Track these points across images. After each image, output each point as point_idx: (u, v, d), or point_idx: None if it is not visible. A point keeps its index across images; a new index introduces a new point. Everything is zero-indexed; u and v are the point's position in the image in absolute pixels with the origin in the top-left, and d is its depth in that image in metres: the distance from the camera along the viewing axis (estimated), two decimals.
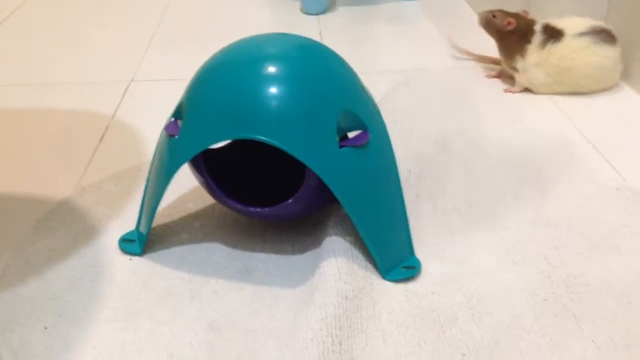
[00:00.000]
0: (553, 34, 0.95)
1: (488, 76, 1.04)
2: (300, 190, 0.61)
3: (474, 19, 1.02)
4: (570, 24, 0.96)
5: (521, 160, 0.79)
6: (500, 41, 0.99)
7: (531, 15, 0.98)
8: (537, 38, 0.95)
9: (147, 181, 0.67)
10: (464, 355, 0.53)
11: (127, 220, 0.70)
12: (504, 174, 0.76)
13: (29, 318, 0.58)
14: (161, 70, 1.12)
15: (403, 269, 0.62)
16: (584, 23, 0.95)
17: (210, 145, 0.61)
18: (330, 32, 1.27)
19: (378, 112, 0.66)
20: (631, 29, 0.99)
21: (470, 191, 0.73)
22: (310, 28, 1.29)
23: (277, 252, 0.66)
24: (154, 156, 0.66)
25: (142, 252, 0.66)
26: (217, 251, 0.66)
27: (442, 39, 1.21)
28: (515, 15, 0.97)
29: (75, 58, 1.18)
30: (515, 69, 0.98)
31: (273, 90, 0.58)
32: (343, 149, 0.59)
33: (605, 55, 0.94)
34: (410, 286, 0.61)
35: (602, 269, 0.62)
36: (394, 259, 0.63)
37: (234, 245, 0.67)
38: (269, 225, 0.69)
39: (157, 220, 0.70)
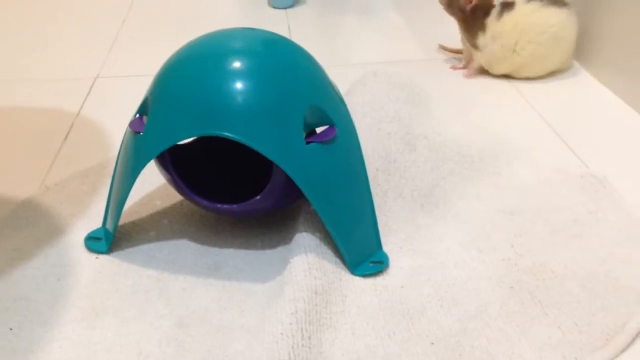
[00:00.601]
0: (507, 4, 0.98)
1: (453, 68, 1.05)
2: (268, 186, 0.61)
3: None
4: None
5: (486, 150, 0.80)
6: (463, 21, 1.00)
7: None
8: (494, 11, 0.98)
9: (113, 179, 0.66)
10: (432, 344, 0.54)
11: (92, 219, 0.69)
12: (469, 165, 0.77)
13: None
14: (127, 67, 1.10)
15: (371, 264, 0.62)
16: None
17: (175, 142, 0.60)
18: (299, 25, 1.27)
19: (345, 107, 0.66)
20: (588, 15, 1.01)
21: (435, 185, 0.73)
22: (279, 22, 1.29)
23: (247, 247, 0.66)
24: (119, 153, 0.65)
25: (109, 250, 0.65)
26: (185, 248, 0.66)
27: (411, 31, 1.22)
28: None
29: (39, 54, 1.16)
30: (477, 47, 1.00)
31: (238, 85, 0.58)
32: (310, 144, 0.59)
33: (556, 13, 0.97)
34: (379, 280, 0.61)
35: (566, 255, 0.63)
36: (362, 254, 0.63)
37: (203, 241, 0.67)
38: (238, 221, 0.69)
39: (125, 218, 0.69)
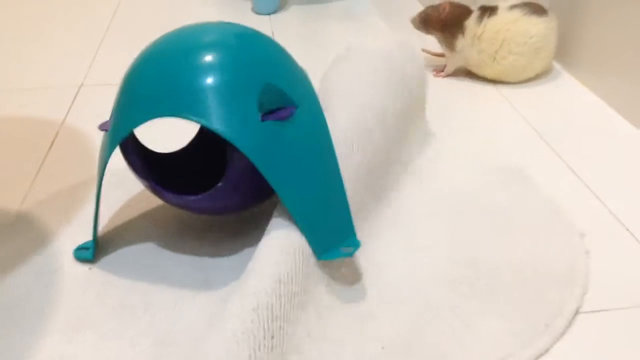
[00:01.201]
0: (488, 10, 0.99)
1: (436, 72, 1.06)
2: (228, 170, 0.60)
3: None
4: (504, 2, 1.01)
5: (442, 153, 0.83)
6: (442, 31, 1.01)
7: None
8: (474, 15, 0.99)
9: (97, 188, 0.66)
10: (383, 348, 0.55)
11: (79, 228, 0.70)
12: (405, 170, 0.78)
13: None
14: (112, 74, 1.10)
15: (342, 250, 0.60)
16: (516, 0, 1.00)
17: (133, 127, 0.60)
18: (282, 31, 1.28)
19: (311, 88, 0.65)
20: (569, 18, 1.03)
21: (381, 185, 0.74)
22: (262, 27, 1.29)
23: (239, 263, 0.64)
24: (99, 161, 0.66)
25: (93, 258, 0.65)
26: (178, 258, 0.66)
27: (394, 35, 1.23)
28: (453, 2, 1.01)
29: (22, 63, 1.16)
30: (454, 49, 1.01)
31: (192, 64, 0.58)
32: (265, 122, 0.58)
33: (536, 23, 0.98)
34: (333, 283, 0.61)
35: (498, 248, 0.66)
36: (331, 239, 0.61)
37: (196, 253, 0.66)
38: (233, 233, 0.69)
39: (114, 227, 0.70)
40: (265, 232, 0.60)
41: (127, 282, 0.63)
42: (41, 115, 0.97)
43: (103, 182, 0.64)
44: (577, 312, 0.59)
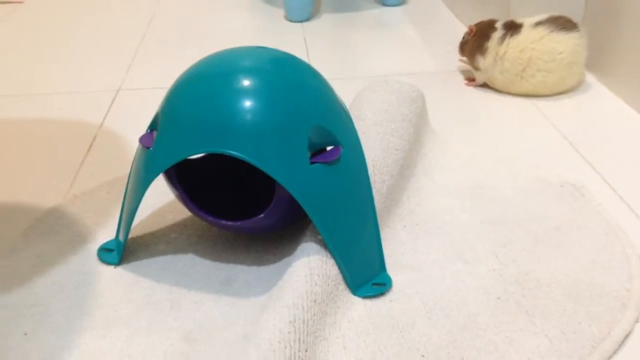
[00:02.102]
0: (512, 27, 0.97)
1: (467, 84, 1.06)
2: (271, 205, 0.62)
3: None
4: (534, 16, 0.98)
5: (471, 165, 0.83)
6: (470, 53, 1.02)
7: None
8: (497, 35, 0.98)
9: (126, 191, 0.69)
10: (423, 356, 0.56)
11: (115, 229, 0.72)
12: (454, 181, 0.79)
13: (9, 325, 0.60)
14: (148, 80, 1.14)
15: (373, 286, 0.63)
16: (543, 15, 0.98)
17: (182, 158, 0.61)
18: (314, 38, 1.30)
19: (352, 126, 0.67)
20: (603, 29, 1.02)
21: (419, 202, 0.76)
22: (295, 35, 1.31)
23: (259, 263, 0.67)
24: (131, 167, 0.68)
25: (119, 262, 0.67)
26: (199, 261, 0.68)
27: (425, 44, 1.24)
28: (481, 22, 1.01)
29: (61, 68, 1.21)
30: (478, 68, 1.01)
31: (245, 104, 0.59)
32: (314, 165, 0.60)
33: (564, 40, 0.95)
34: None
35: (550, 264, 0.65)
36: (365, 275, 0.63)
37: (218, 255, 0.69)
38: (251, 237, 0.71)
39: (141, 230, 0.72)
40: (301, 250, 0.63)
41: (152, 282, 0.65)
42: (79, 118, 1.00)
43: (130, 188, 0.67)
44: (627, 336, 0.57)
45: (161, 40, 1.34)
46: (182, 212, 0.75)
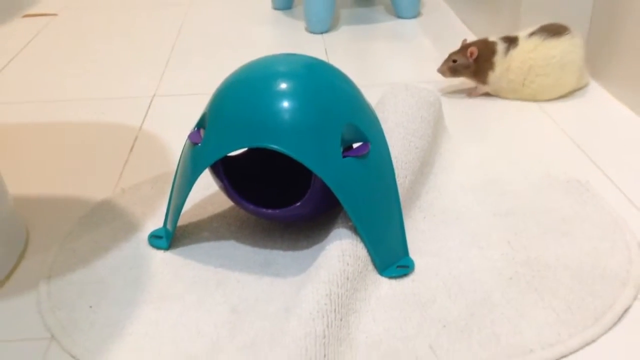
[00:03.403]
0: (510, 40, 1.05)
1: (470, 95, 1.12)
2: (307, 194, 0.69)
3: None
4: (526, 29, 1.06)
5: (484, 164, 0.89)
6: (475, 72, 1.06)
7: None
8: (500, 50, 1.05)
9: (173, 184, 0.76)
10: (444, 326, 0.62)
11: (161, 218, 0.79)
12: (469, 177, 0.87)
13: (76, 299, 0.68)
14: (180, 87, 1.22)
15: (398, 268, 0.69)
16: (534, 26, 1.05)
17: (228, 152, 0.69)
18: (334, 49, 1.37)
19: (379, 125, 0.74)
20: (603, 34, 1.10)
21: (437, 196, 0.83)
22: (316, 46, 1.39)
23: (294, 248, 0.74)
24: (179, 161, 0.75)
25: (168, 247, 0.74)
26: (240, 247, 0.75)
27: (440, 54, 1.31)
28: (470, 44, 1.06)
29: (99, 77, 1.29)
30: (487, 83, 1.07)
31: (285, 104, 0.66)
32: (346, 158, 0.67)
33: (555, 45, 1.03)
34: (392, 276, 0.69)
35: (557, 250, 0.71)
36: (390, 258, 0.70)
37: (256, 242, 0.76)
38: (286, 225, 0.78)
39: (185, 220, 0.79)
40: (333, 235, 0.70)
41: (199, 264, 0.72)
42: (121, 121, 1.08)
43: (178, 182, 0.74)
44: (626, 310, 0.63)
45: (190, 50, 1.42)
46: (222, 205, 0.83)
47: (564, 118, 1.03)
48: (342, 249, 0.67)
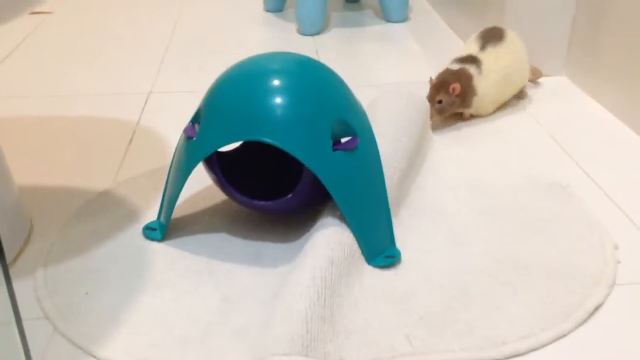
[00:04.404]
0: (472, 59, 1.05)
1: (465, 120, 1.10)
2: (298, 186, 0.72)
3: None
4: (469, 46, 1.08)
5: (468, 165, 0.93)
6: (460, 104, 1.03)
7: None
8: (472, 71, 1.03)
9: (168, 178, 0.79)
10: (421, 318, 0.65)
11: (157, 210, 0.81)
12: (453, 177, 0.90)
13: (72, 286, 0.70)
14: (175, 84, 1.25)
15: (385, 258, 0.72)
16: (475, 39, 1.08)
17: (222, 146, 0.71)
18: (325, 50, 1.41)
19: (367, 120, 0.77)
20: (580, 32, 1.14)
21: (423, 194, 0.86)
22: (307, 47, 1.42)
23: (283, 240, 0.77)
24: (174, 155, 0.78)
25: (162, 239, 0.77)
26: (232, 239, 0.78)
27: (426, 56, 1.36)
28: (449, 77, 1.01)
29: (95, 74, 1.31)
30: (470, 106, 1.05)
31: (277, 100, 0.69)
32: (336, 152, 0.70)
33: (508, 46, 1.07)
34: (375, 268, 0.72)
35: (533, 248, 0.74)
36: (378, 248, 0.72)
37: (247, 235, 0.78)
38: (276, 219, 0.81)
39: (179, 213, 0.82)
40: (320, 224, 0.72)
41: (192, 255, 0.75)
42: (118, 117, 1.11)
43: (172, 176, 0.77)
44: (597, 308, 0.66)
45: (184, 49, 1.44)
46: (214, 199, 0.86)
47: (547, 120, 1.07)
48: (327, 235, 0.70)
